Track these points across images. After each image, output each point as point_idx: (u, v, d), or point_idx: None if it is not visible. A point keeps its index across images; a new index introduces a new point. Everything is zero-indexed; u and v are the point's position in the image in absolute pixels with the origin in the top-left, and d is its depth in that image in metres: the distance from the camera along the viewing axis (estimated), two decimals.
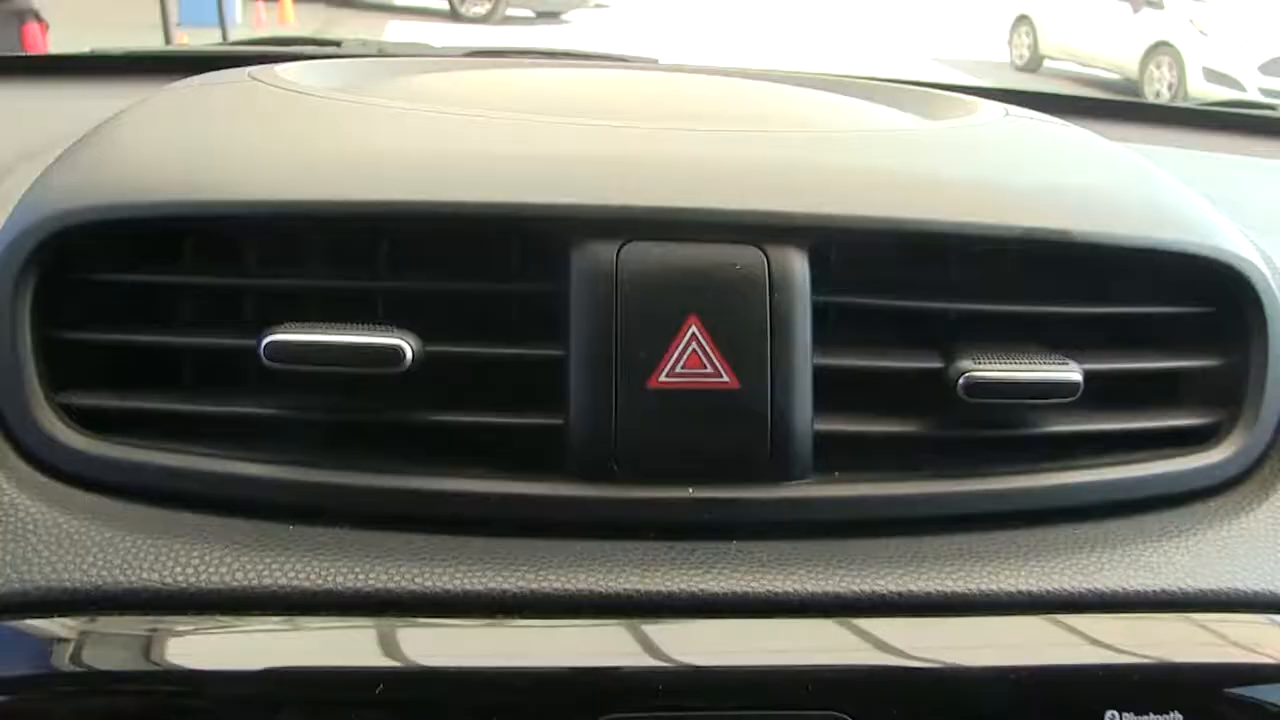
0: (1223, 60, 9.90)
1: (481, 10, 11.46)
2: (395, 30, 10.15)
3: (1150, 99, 9.17)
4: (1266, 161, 1.05)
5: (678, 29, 11.50)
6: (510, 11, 11.63)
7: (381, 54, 0.92)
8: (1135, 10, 10.78)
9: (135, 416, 0.47)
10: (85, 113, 0.67)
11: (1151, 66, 10.47)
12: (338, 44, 0.99)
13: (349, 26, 10.34)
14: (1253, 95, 8.92)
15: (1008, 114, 0.70)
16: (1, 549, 0.43)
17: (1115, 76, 10.98)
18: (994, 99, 0.79)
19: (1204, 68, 9.96)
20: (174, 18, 2.82)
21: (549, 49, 1.04)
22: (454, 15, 11.52)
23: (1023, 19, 12.53)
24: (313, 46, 0.98)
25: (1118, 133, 1.09)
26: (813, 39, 12.50)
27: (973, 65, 11.79)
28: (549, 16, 12.09)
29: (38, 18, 2.29)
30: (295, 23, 9.88)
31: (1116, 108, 1.23)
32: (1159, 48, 10.44)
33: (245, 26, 9.16)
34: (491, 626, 0.42)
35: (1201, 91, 9.51)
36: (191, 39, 3.88)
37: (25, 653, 0.44)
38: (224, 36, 4.39)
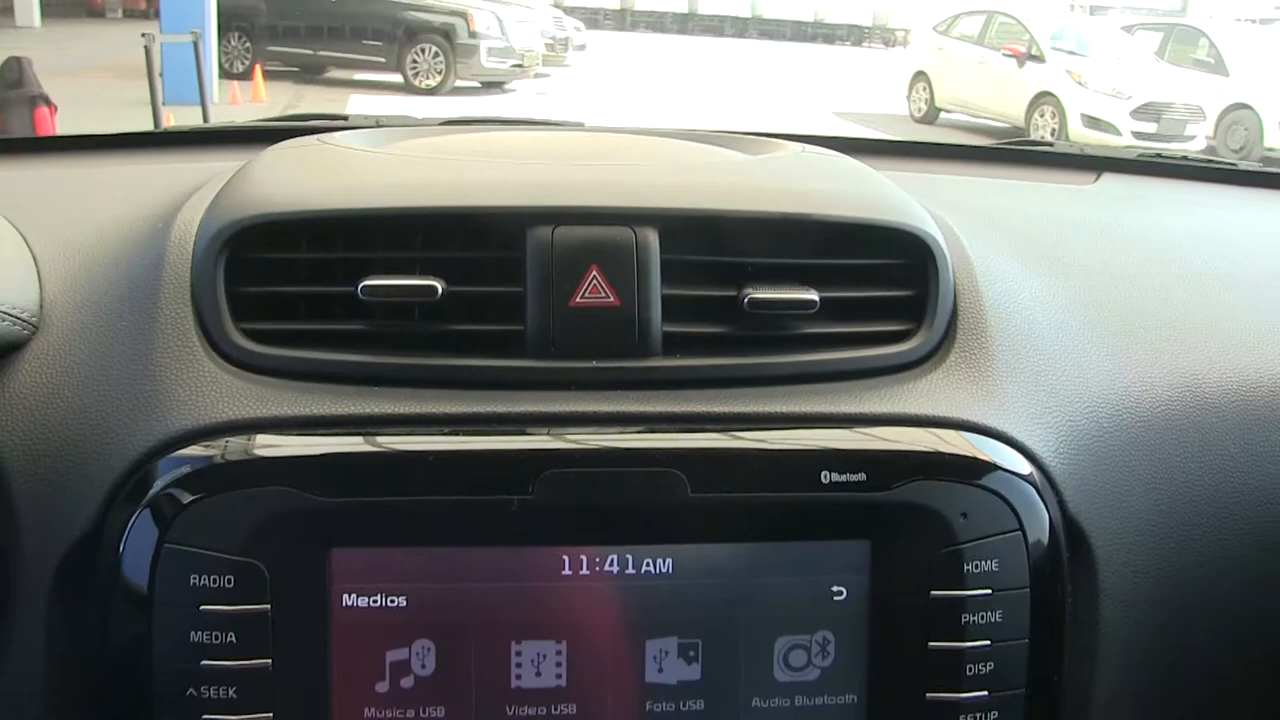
0: (1099, 107, 10.53)
1: (431, 83, 12.35)
2: (356, 103, 10.54)
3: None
4: (1020, 184, 1.40)
5: (601, 98, 12.07)
6: (458, 83, 12.25)
7: (379, 125, 1.26)
8: (1020, 65, 11.40)
9: (285, 334, 0.81)
10: (174, 174, 1.01)
11: (1036, 115, 11.08)
12: (345, 118, 1.34)
13: (315, 101, 10.73)
14: (1126, 138, 9.49)
15: (804, 150, 1.06)
16: (213, 403, 0.77)
17: (1004, 125, 11.58)
18: (822, 143, 1.13)
19: (1082, 114, 10.57)
20: (160, 97, 3.11)
21: (504, 118, 1.38)
22: (408, 88, 12.37)
23: (919, 75, 13.14)
24: (329, 120, 1.32)
25: (914, 166, 1.43)
26: (726, 101, 13.02)
27: (873, 118, 12.34)
28: (493, 87, 12.79)
29: (47, 101, 2.55)
30: (267, 99, 10.20)
31: (923, 148, 1.58)
32: (1042, 97, 11.04)
33: (223, 103, 9.40)
34: (482, 434, 0.76)
35: (1081, 134, 10.09)
36: (175, 116, 4.20)
37: (227, 467, 0.73)
38: (204, 114, 4.63)
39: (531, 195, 0.83)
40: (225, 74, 11.02)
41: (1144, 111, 10.39)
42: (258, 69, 11.13)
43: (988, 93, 11.76)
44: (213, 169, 0.87)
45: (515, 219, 0.81)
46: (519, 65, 13.05)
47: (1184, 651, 0.90)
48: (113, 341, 0.79)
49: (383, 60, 12.59)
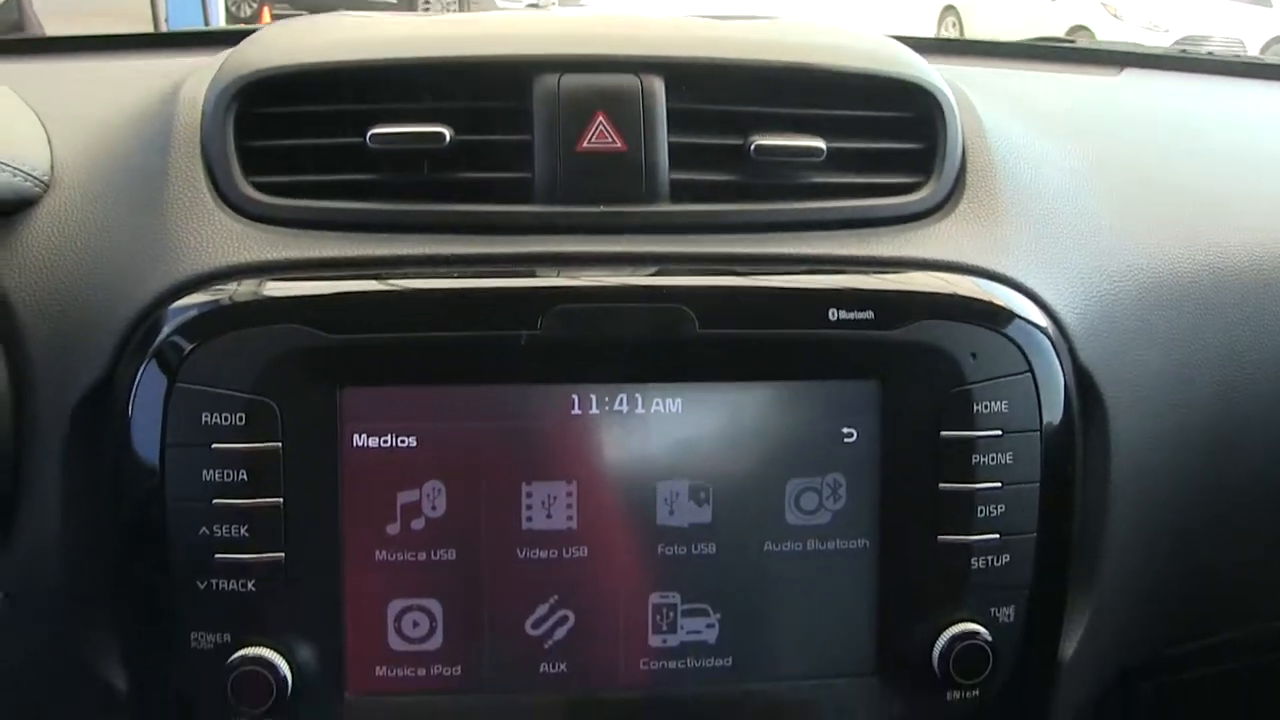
0: (1136, 41, 10.30)
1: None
2: None
3: None
4: (1040, 74, 1.38)
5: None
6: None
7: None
8: None
9: (294, 186, 0.80)
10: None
11: None
12: None
13: None
14: None
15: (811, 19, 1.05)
16: (223, 249, 0.76)
17: None
18: None
19: None
20: (163, 25, 3.10)
21: None
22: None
23: (949, 9, 12.94)
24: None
25: (935, 60, 1.42)
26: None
27: None
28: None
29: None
30: None
31: (942, 44, 1.57)
32: (1076, 31, 10.84)
33: None
34: (492, 274, 0.76)
35: None
36: None
37: (238, 307, 0.73)
38: None
39: (537, 45, 0.82)
40: (232, 18, 10.93)
41: (1182, 44, 10.16)
42: (266, 10, 11.02)
43: (1019, 26, 11.55)
44: (220, 58, 0.87)
45: (522, 67, 0.80)
46: (534, 5, 12.83)
47: (1197, 518, 0.89)
48: (123, 196, 0.80)
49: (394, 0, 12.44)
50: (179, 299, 0.74)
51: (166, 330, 0.73)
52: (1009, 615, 0.78)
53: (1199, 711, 1.18)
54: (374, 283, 0.75)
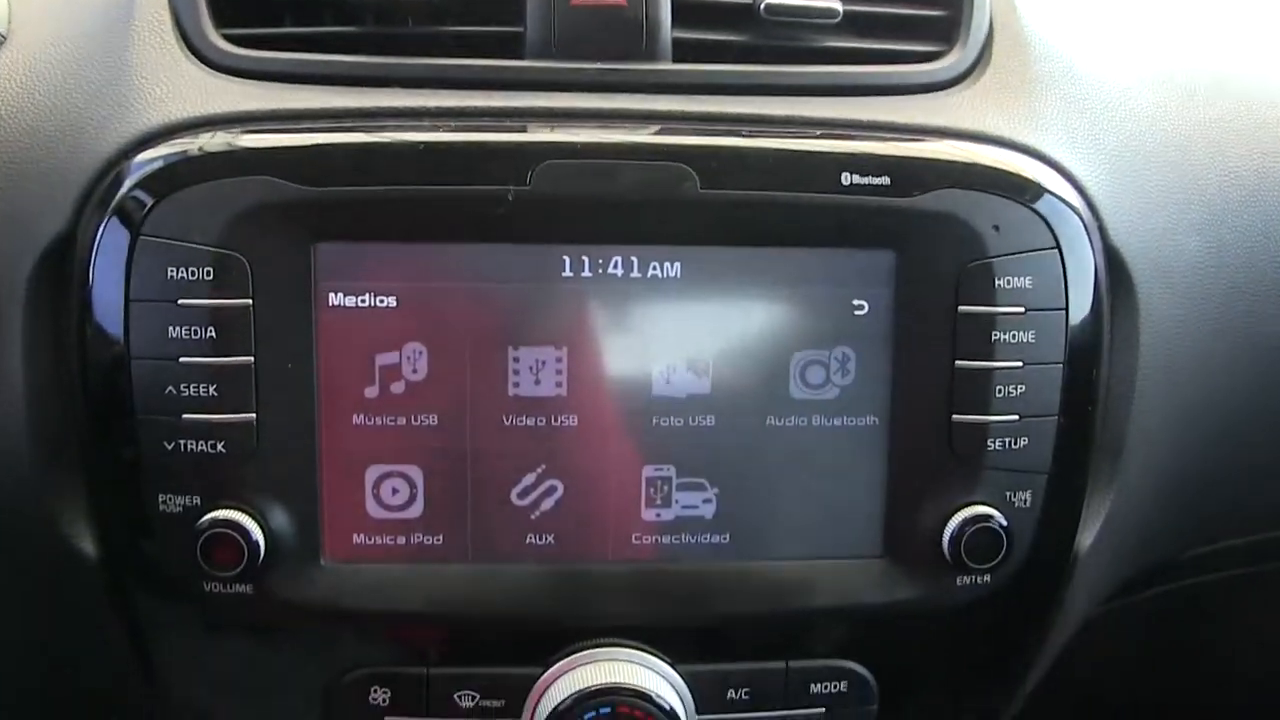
0: None
1: None
2: None
3: None
4: None
5: None
6: None
7: None
8: None
9: (269, 38, 0.73)
10: None
11: None
12: None
13: None
14: None
15: None
16: (192, 100, 0.71)
17: None
18: None
19: None
20: None
21: None
22: None
23: None
24: None
25: None
26: None
27: None
28: None
29: None
30: None
31: None
32: None
33: None
34: (479, 128, 0.70)
35: None
36: None
37: (207, 158, 0.68)
38: None
39: None
40: None
41: None
42: None
43: None
44: None
45: None
46: None
47: (1223, 415, 0.84)
48: (85, 46, 0.75)
49: None
50: (144, 151, 0.69)
51: (130, 183, 0.68)
52: (1025, 501, 0.74)
53: (1199, 618, 1.14)
54: (353, 134, 0.70)
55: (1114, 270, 0.75)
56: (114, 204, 0.68)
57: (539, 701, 0.73)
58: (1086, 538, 0.78)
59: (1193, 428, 0.82)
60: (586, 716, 0.71)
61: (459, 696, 0.74)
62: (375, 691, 0.75)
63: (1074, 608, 0.82)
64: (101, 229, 0.68)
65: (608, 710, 0.71)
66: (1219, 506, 0.89)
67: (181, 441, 0.69)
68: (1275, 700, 1.20)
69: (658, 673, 0.74)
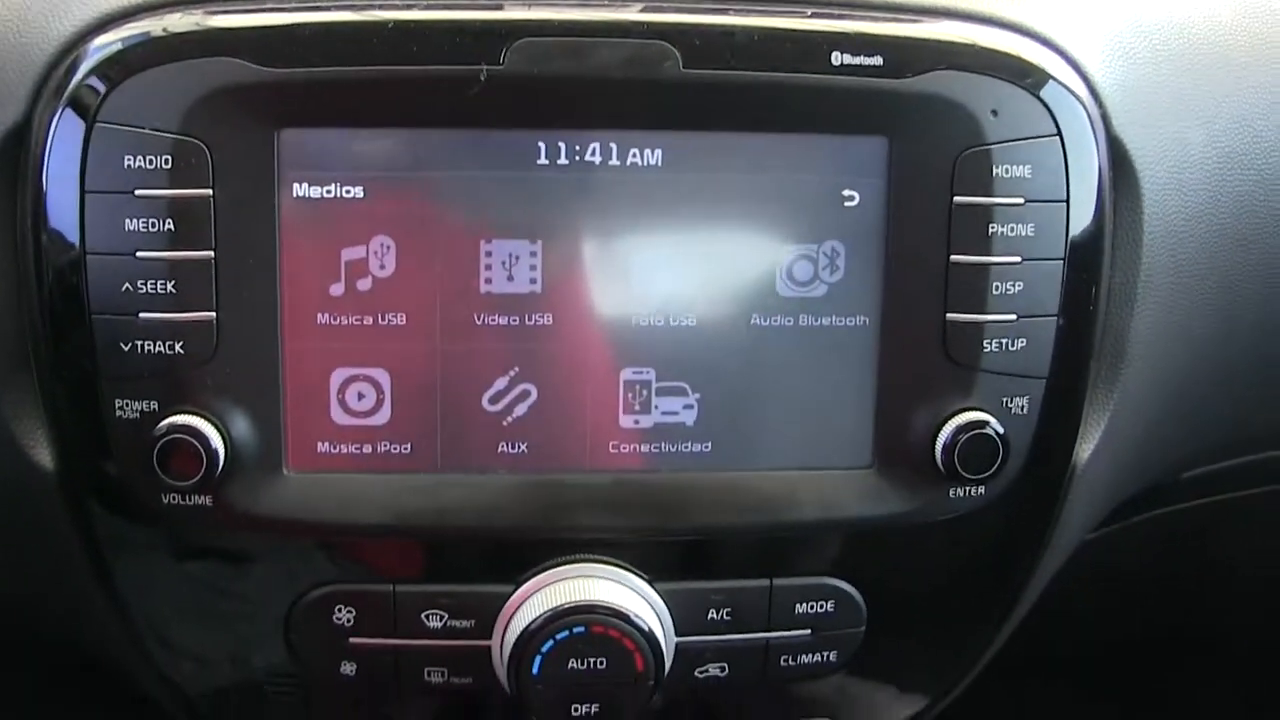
0: None
1: None
2: None
3: None
4: None
5: None
6: None
7: None
8: None
9: None
10: None
11: None
12: None
13: None
14: None
15: None
16: None
17: None
18: None
19: None
20: None
21: None
22: None
23: None
24: None
25: None
26: None
27: None
28: None
29: None
30: None
31: None
32: None
33: None
34: (454, 8, 0.65)
35: None
36: None
37: (165, 39, 0.63)
38: None
39: None
40: None
41: None
42: None
43: None
44: None
45: None
46: None
47: (1227, 321, 0.80)
48: None
49: None
50: (100, 34, 0.65)
51: (85, 67, 0.64)
52: (1022, 407, 0.70)
53: (1191, 549, 1.11)
54: (318, 13, 0.66)
55: (1118, 163, 0.71)
56: (69, 90, 0.64)
57: (509, 621, 0.70)
58: (1085, 449, 0.75)
59: (1196, 336, 0.78)
60: (559, 636, 0.67)
61: (427, 616, 0.71)
62: (339, 611, 0.71)
63: (1070, 527, 0.79)
64: (56, 117, 0.64)
65: (581, 630, 0.68)
66: (1219, 423, 0.86)
67: (138, 342, 0.66)
68: (1265, 635, 1.17)
69: (635, 591, 0.70)
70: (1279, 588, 1.15)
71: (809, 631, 0.74)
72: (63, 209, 0.65)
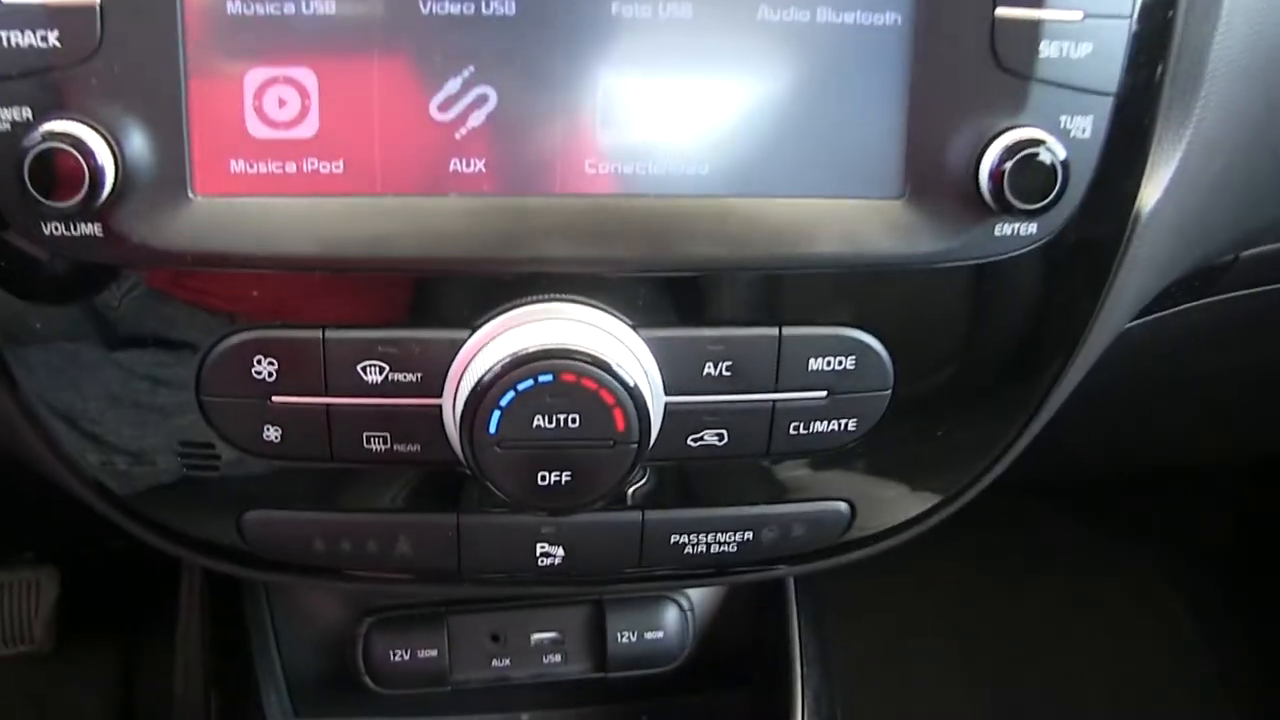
0: None
1: None
2: None
3: None
4: None
5: None
6: None
7: None
8: None
9: None
10: None
11: None
12: None
13: None
14: None
15: None
16: None
17: None
18: None
19: None
20: None
21: None
22: None
23: None
24: None
25: None
26: None
27: None
28: None
29: None
30: None
31: None
32: None
33: None
34: None
35: None
36: None
37: None
38: None
39: None
40: None
41: None
42: None
43: None
44: None
45: None
46: None
47: None
48: None
49: None
50: None
51: None
52: (1084, 129, 0.58)
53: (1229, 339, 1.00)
54: None
55: None
56: None
57: (463, 374, 0.58)
58: (1152, 193, 0.63)
59: (1268, 95, 0.66)
60: (521, 386, 0.56)
61: (365, 369, 0.59)
62: (259, 364, 0.60)
63: (1125, 293, 0.68)
64: None
65: (549, 379, 0.56)
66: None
67: (6, 35, 0.53)
68: None
69: (616, 337, 0.59)
70: None
71: (824, 393, 0.63)
72: None
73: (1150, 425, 1.18)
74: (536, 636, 0.86)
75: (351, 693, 0.85)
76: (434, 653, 0.83)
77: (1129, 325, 0.75)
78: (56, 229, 0.56)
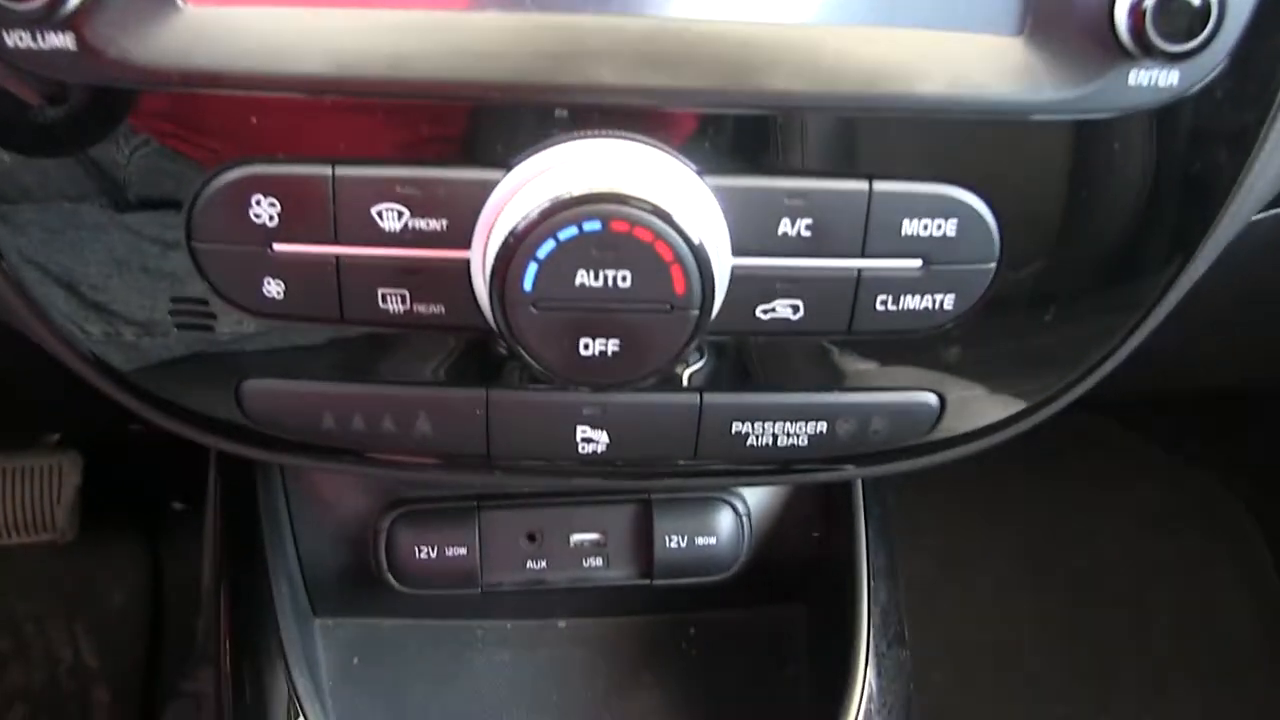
0: None
1: None
2: None
3: None
4: None
5: None
6: None
7: None
8: None
9: None
10: None
11: None
12: None
13: None
14: None
15: None
16: None
17: None
18: None
19: None
20: None
21: None
22: None
23: None
24: None
25: None
26: None
27: None
28: None
29: None
30: None
31: None
32: None
33: None
34: None
35: None
36: None
37: None
38: None
39: None
40: None
41: None
42: None
43: None
44: None
45: None
46: None
47: None
48: None
49: None
50: None
51: None
52: None
53: None
54: None
55: None
56: None
57: (496, 221, 0.49)
58: None
59: None
60: (562, 235, 0.47)
61: (381, 213, 0.51)
62: (258, 205, 0.51)
63: (1261, 175, 0.58)
64: None
65: (597, 227, 0.47)
66: None
67: None
68: None
69: (678, 182, 0.49)
70: None
71: (918, 262, 0.53)
72: None
73: (1256, 344, 1.08)
74: (576, 537, 0.78)
75: (374, 591, 0.78)
76: (463, 551, 0.76)
77: (1255, 217, 0.65)
78: (21, 40, 0.47)
